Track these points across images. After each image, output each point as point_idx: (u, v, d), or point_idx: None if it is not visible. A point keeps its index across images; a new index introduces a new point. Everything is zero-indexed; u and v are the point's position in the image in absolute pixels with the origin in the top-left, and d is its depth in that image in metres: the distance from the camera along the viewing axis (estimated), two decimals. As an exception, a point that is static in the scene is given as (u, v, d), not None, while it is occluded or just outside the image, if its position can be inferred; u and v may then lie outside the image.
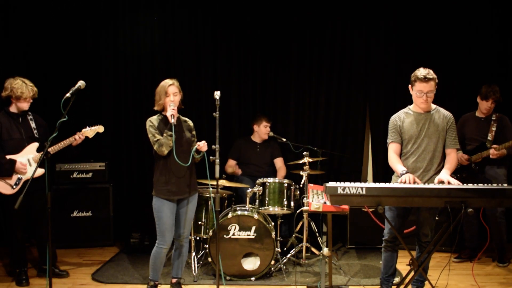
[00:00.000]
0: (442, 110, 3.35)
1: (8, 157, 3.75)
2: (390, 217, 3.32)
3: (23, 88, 3.77)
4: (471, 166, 4.37)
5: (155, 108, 3.48)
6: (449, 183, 3.01)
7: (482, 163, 4.32)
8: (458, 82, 5.17)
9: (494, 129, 4.29)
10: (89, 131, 3.93)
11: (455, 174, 4.50)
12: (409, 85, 3.32)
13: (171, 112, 3.34)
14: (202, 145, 3.43)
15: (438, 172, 3.28)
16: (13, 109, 3.85)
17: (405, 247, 3.09)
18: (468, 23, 5.12)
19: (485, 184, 2.87)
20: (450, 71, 5.14)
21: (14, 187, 3.77)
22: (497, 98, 4.26)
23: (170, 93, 3.41)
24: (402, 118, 3.36)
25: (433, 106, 3.35)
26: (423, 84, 3.19)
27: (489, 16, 5.12)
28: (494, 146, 4.18)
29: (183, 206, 3.53)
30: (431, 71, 3.24)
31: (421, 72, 3.23)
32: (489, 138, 4.29)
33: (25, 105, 3.84)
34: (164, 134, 3.35)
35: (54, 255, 4.10)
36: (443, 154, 3.33)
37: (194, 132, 3.62)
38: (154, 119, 3.48)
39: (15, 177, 3.77)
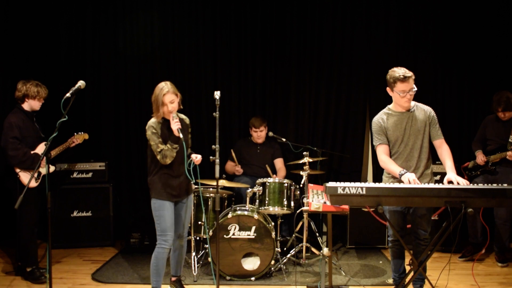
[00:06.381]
0: (421, 106, 3.36)
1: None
2: (392, 219, 3.31)
3: (38, 88, 3.97)
4: (487, 166, 4.36)
5: (154, 117, 3.36)
6: (458, 183, 2.97)
7: (500, 164, 4.28)
8: (458, 78, 5.15)
9: None
10: (80, 136, 4.31)
11: (470, 172, 4.55)
12: (387, 88, 3.29)
13: (176, 126, 3.24)
14: (198, 160, 3.40)
15: (427, 167, 3.31)
16: (26, 107, 3.97)
17: (405, 247, 3.09)
18: (471, 18, 5.08)
19: (485, 184, 2.87)
20: (450, 69, 5.13)
21: (37, 179, 3.96)
22: (504, 106, 4.20)
23: (167, 102, 3.27)
24: (385, 119, 3.34)
25: (412, 103, 3.33)
26: (404, 83, 3.17)
27: (493, 9, 5.08)
28: None
29: (181, 208, 3.53)
30: (405, 69, 3.22)
31: (398, 72, 3.20)
32: (510, 140, 4.22)
33: (38, 105, 4.02)
34: (168, 145, 3.29)
35: (34, 254, 4.05)
36: (430, 148, 3.33)
37: (190, 130, 3.58)
38: (155, 124, 3.34)
39: (37, 171, 3.89)
